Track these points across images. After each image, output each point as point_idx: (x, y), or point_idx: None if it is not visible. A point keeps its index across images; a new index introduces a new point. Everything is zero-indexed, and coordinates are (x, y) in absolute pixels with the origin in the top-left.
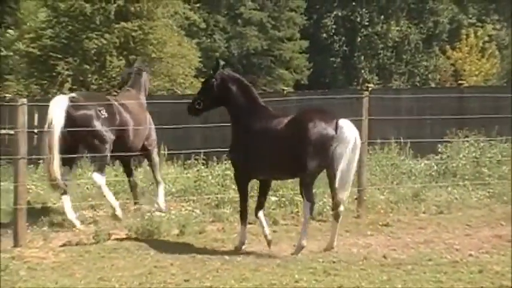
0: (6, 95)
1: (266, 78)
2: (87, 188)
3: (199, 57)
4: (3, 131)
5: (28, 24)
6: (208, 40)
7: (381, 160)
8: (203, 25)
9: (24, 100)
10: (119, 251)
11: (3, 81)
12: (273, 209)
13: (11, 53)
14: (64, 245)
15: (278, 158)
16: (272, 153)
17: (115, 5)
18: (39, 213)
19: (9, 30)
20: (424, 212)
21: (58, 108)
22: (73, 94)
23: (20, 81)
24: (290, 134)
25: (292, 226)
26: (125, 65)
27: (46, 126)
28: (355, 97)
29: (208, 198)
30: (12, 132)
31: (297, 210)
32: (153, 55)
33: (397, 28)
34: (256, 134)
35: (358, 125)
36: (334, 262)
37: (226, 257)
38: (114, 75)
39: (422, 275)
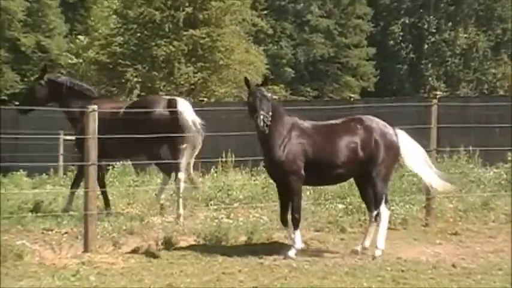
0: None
1: (333, 86)
2: (155, 194)
3: (266, 64)
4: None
5: (98, 31)
6: (275, 47)
7: (450, 168)
8: (270, 32)
9: (95, 107)
10: (187, 257)
11: None
12: (340, 217)
13: (81, 60)
14: (133, 250)
15: None
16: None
17: (184, 13)
18: (109, 219)
19: (80, 37)
20: (493, 221)
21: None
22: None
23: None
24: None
25: (359, 234)
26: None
27: (189, 129)
28: (423, 105)
29: (276, 205)
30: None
31: (364, 218)
32: (221, 62)
33: (465, 35)
34: None
35: (426, 133)
36: (402, 271)
37: (294, 264)
38: (182, 82)
39: (492, 284)
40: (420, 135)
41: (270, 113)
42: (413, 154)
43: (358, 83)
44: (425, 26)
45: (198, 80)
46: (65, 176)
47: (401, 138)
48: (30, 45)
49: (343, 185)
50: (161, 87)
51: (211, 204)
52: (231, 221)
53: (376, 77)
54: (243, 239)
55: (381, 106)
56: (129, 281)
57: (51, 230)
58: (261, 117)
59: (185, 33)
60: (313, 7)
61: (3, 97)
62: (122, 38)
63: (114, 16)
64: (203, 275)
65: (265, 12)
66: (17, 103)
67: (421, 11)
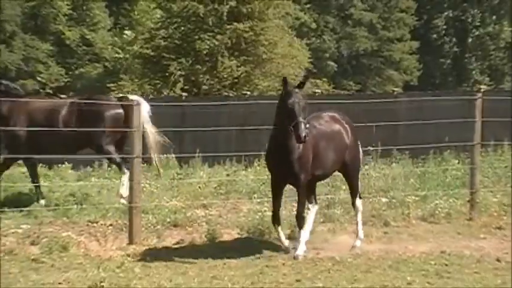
0: (121, 94)
1: (375, 79)
2: (199, 187)
3: (309, 58)
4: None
5: (142, 25)
6: (318, 41)
7: (494, 162)
8: (313, 26)
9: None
10: (231, 250)
11: (119, 81)
12: (384, 211)
13: (126, 55)
14: (177, 243)
15: None
16: None
17: (227, 6)
18: (153, 212)
19: (126, 32)
20: None
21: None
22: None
23: (134, 81)
24: None
25: (403, 227)
26: None
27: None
28: (468, 99)
29: (319, 199)
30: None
31: (408, 211)
32: (264, 56)
33: (510, 29)
34: None
35: (471, 126)
36: (446, 265)
37: (337, 258)
38: (225, 76)
39: None
40: (464, 129)
41: (305, 119)
42: None
43: (401, 76)
44: (469, 20)
45: (241, 73)
46: (109, 169)
47: None
48: (75, 38)
49: (387, 180)
50: (204, 81)
51: (254, 198)
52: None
53: (419, 70)
54: (286, 232)
55: (424, 100)
56: (173, 274)
57: (96, 222)
58: (303, 126)
59: (228, 27)
60: (356, 1)
61: (48, 90)
62: (165, 32)
63: (158, 10)
64: (246, 268)
65: (308, 6)
66: (63, 96)
67: (465, 4)
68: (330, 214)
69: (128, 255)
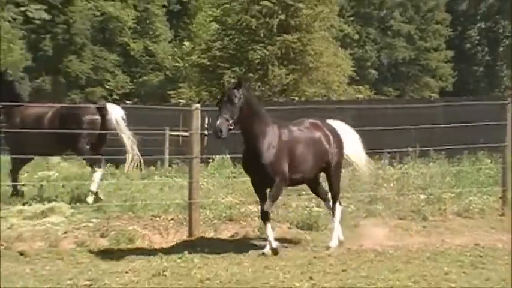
0: (180, 100)
1: (413, 86)
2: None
3: (352, 66)
4: (177, 133)
5: (200, 37)
6: (361, 50)
7: None
8: (356, 37)
9: (198, 105)
10: (281, 242)
11: (178, 88)
12: (422, 206)
13: (185, 64)
14: (232, 236)
15: None
16: None
17: (277, 19)
18: (210, 207)
19: (185, 43)
20: None
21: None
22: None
23: (192, 88)
24: None
25: (440, 222)
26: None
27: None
28: (499, 103)
29: (362, 195)
30: (186, 134)
31: (444, 207)
32: (311, 64)
33: None
34: None
35: (502, 128)
36: (480, 256)
37: (379, 250)
38: (275, 83)
39: None
40: (496, 131)
41: (233, 118)
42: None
43: (437, 83)
44: (501, 30)
45: (290, 81)
46: (170, 168)
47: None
48: (139, 49)
49: (425, 178)
50: (256, 88)
51: (302, 194)
52: (320, 210)
53: (454, 77)
54: (331, 226)
55: (459, 105)
56: (229, 264)
57: (159, 217)
58: (219, 121)
59: (278, 38)
60: (396, 13)
61: (115, 96)
62: (221, 43)
63: (214, 23)
64: (296, 259)
65: (351, 18)
66: (128, 102)
67: (497, 16)
68: (372, 209)
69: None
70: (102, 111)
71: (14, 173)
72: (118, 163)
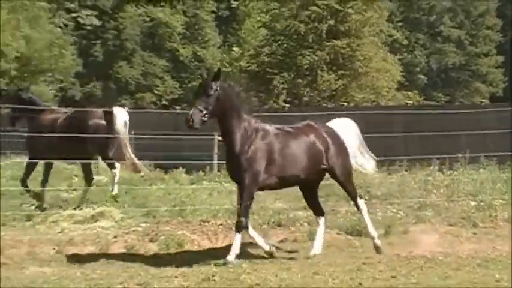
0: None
1: (463, 91)
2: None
3: (401, 72)
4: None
5: (248, 43)
6: (410, 56)
7: None
8: (405, 42)
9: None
10: (330, 248)
11: None
12: (473, 213)
13: (234, 70)
14: (281, 241)
15: None
16: None
17: (326, 25)
18: (259, 213)
19: (234, 49)
20: None
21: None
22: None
23: (241, 94)
24: None
25: (490, 228)
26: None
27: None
28: None
29: (411, 202)
30: None
31: (495, 214)
32: (360, 70)
33: None
34: None
35: None
36: None
37: (429, 256)
38: (324, 88)
39: None
40: None
41: (208, 109)
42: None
43: (488, 88)
44: None
45: (339, 86)
46: (219, 173)
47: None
48: (188, 55)
49: (475, 184)
50: (305, 93)
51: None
52: (370, 216)
53: (504, 83)
54: (381, 232)
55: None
56: (278, 269)
57: (208, 222)
58: (192, 111)
59: (327, 43)
60: (445, 19)
61: (164, 102)
62: (269, 49)
63: (263, 29)
64: (345, 265)
65: (400, 24)
66: (177, 107)
67: None
68: (422, 216)
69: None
70: (109, 116)
71: (26, 177)
72: (167, 168)
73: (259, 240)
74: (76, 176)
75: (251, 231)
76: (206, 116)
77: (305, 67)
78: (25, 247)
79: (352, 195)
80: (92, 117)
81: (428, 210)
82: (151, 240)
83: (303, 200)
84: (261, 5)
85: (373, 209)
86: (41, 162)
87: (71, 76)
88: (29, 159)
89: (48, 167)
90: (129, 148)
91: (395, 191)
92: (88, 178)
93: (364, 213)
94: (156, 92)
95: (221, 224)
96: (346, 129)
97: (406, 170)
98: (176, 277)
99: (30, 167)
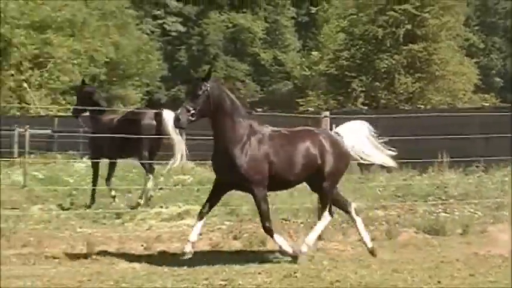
0: (309, 108)
1: None
2: (379, 190)
3: (478, 75)
4: None
5: (327, 48)
6: (486, 59)
7: None
8: (481, 46)
9: (327, 113)
10: (408, 246)
11: (306, 96)
12: None
13: (313, 73)
14: (360, 239)
15: None
16: None
17: (403, 29)
18: (338, 212)
19: (313, 53)
20: None
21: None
22: None
23: (320, 96)
24: None
25: None
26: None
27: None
28: None
29: (489, 202)
30: None
31: None
32: (437, 73)
33: None
34: None
35: None
36: None
37: (507, 255)
38: (401, 91)
39: None
40: None
41: (196, 109)
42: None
43: None
44: None
45: (416, 89)
46: None
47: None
48: (269, 59)
49: None
50: (382, 96)
51: (429, 200)
52: (447, 215)
53: None
54: (458, 231)
55: None
56: (358, 267)
57: (289, 220)
58: (179, 110)
59: (404, 47)
60: None
61: (246, 104)
62: (348, 53)
63: (342, 33)
64: (423, 263)
65: (476, 28)
66: (258, 109)
67: None
68: (499, 216)
69: (318, 250)
70: (159, 117)
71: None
72: None
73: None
74: (162, 175)
75: (276, 237)
76: (193, 115)
77: (383, 70)
78: (115, 244)
79: (324, 206)
80: (144, 118)
81: (505, 210)
82: (234, 238)
83: (382, 200)
84: (339, 10)
85: (451, 208)
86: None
87: (157, 80)
88: (91, 158)
89: (112, 166)
90: (180, 149)
91: (473, 192)
92: (150, 171)
93: (319, 226)
94: (238, 94)
95: (302, 223)
96: (355, 132)
97: (483, 171)
98: (259, 273)
99: (94, 167)
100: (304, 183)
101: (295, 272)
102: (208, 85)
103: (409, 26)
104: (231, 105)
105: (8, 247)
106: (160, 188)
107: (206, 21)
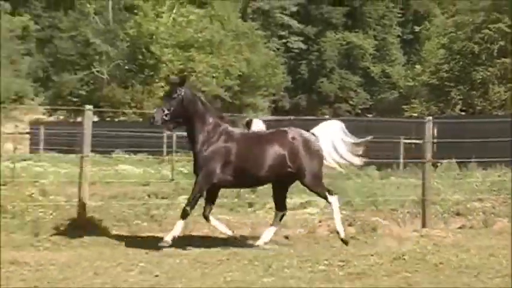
0: (413, 114)
1: None
2: (476, 185)
3: None
4: (410, 141)
5: (429, 61)
6: None
7: None
8: None
9: (430, 118)
10: (503, 234)
11: (410, 103)
12: None
13: (416, 83)
14: (460, 227)
15: None
16: None
17: (497, 45)
18: (440, 203)
19: (416, 66)
20: None
21: None
22: None
23: (423, 104)
24: None
25: None
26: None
27: None
28: None
29: None
30: (419, 142)
31: None
32: None
33: None
34: None
35: None
36: None
37: None
38: (495, 99)
39: None
40: None
41: (170, 110)
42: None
43: None
44: None
45: (508, 97)
46: (404, 170)
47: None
48: (377, 72)
49: None
50: (478, 103)
51: None
52: None
53: None
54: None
55: None
56: (457, 251)
57: (396, 210)
58: (154, 111)
59: (498, 61)
60: None
61: (357, 111)
62: (448, 66)
63: (442, 49)
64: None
65: None
66: (368, 115)
67: None
68: None
69: (422, 236)
70: (248, 126)
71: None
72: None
73: (221, 227)
74: None
75: (212, 220)
76: (167, 116)
77: (478, 81)
78: (248, 229)
79: (322, 196)
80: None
81: None
82: (349, 225)
83: (478, 193)
84: (440, 29)
85: None
86: None
87: (281, 90)
88: None
89: None
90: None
91: None
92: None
93: (334, 209)
94: (350, 103)
95: (408, 212)
96: (329, 130)
97: None
98: (372, 256)
99: None
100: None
101: (403, 255)
102: (182, 90)
103: (502, 43)
104: (203, 109)
105: (159, 230)
106: None
107: (323, 40)
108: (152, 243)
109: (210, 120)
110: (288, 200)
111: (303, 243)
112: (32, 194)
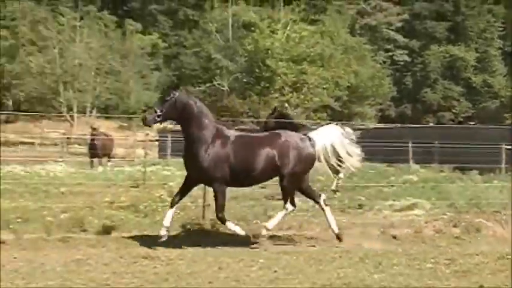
0: None
1: None
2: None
3: None
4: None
5: None
6: None
7: None
8: None
9: None
10: None
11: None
12: None
13: None
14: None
15: None
16: None
17: None
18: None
19: None
20: None
21: None
22: None
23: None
24: None
25: None
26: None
27: None
28: None
29: None
30: None
31: None
32: None
33: None
34: None
35: None
36: None
37: None
38: None
39: None
40: None
41: (162, 112)
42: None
43: None
44: None
45: None
46: (506, 174)
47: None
48: (479, 82)
49: None
50: None
51: None
52: None
53: None
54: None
55: None
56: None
57: (500, 212)
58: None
59: None
60: None
61: (460, 119)
62: None
63: None
64: None
65: None
66: (471, 123)
67: None
68: None
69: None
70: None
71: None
72: (464, 170)
73: (233, 227)
74: (393, 175)
75: (228, 223)
76: (159, 117)
77: None
78: (358, 228)
79: (285, 199)
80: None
81: None
82: (454, 226)
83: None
84: None
85: None
86: None
87: (387, 100)
88: None
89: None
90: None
91: None
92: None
93: (281, 216)
94: (453, 111)
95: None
96: (328, 134)
97: None
98: (477, 255)
99: None
100: None
101: (507, 255)
102: (176, 93)
103: None
104: (198, 111)
105: (277, 229)
106: (392, 185)
107: (427, 53)
108: (270, 242)
109: (207, 122)
110: (396, 203)
111: (410, 243)
112: (161, 195)
